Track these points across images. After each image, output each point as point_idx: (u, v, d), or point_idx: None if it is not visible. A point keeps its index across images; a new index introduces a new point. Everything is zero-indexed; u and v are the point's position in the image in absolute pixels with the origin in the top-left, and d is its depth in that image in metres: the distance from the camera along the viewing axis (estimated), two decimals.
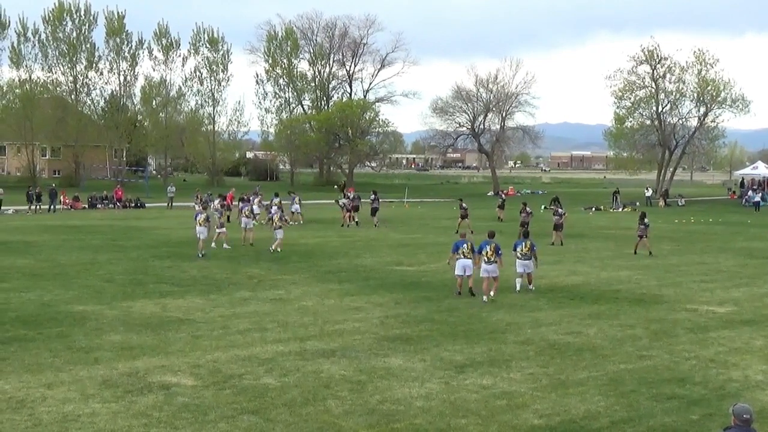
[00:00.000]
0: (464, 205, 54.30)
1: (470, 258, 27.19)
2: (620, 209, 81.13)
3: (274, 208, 45.40)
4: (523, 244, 28.54)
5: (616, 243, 46.03)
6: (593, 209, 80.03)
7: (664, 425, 14.49)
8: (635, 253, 40.27)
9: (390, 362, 18.34)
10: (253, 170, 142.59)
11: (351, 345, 19.92)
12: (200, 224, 37.88)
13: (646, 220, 41.23)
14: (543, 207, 72.89)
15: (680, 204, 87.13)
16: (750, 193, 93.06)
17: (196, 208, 47.68)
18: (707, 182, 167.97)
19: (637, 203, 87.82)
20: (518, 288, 28.25)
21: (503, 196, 72.31)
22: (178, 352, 18.86)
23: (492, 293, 26.67)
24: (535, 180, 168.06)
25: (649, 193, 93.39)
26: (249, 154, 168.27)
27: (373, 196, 58.04)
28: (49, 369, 17.32)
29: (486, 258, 26.77)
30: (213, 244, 40.02)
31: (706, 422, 14.64)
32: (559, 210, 47.73)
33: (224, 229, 41.20)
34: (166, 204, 73.57)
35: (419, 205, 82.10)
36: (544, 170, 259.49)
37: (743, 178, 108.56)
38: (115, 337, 20.31)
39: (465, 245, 27.52)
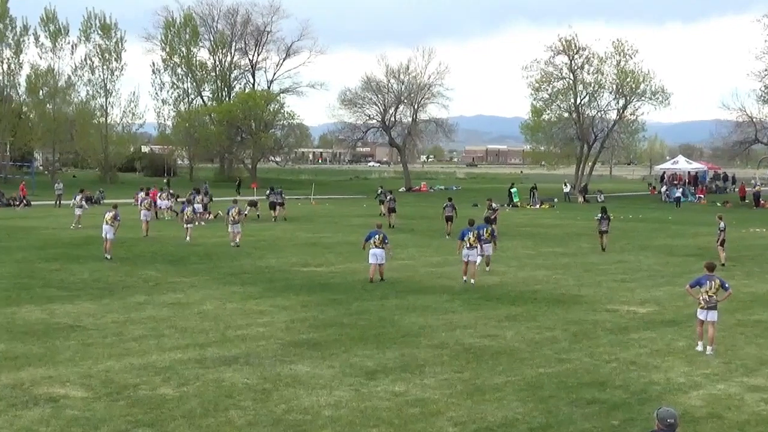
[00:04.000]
0: (391, 196, 57.21)
1: (381, 248, 30.69)
2: (538, 206, 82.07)
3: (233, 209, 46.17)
4: (471, 233, 31.22)
5: (534, 241, 46.57)
6: (509, 206, 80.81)
7: (585, 431, 14.64)
8: (604, 250, 41.57)
9: (296, 369, 18.25)
10: (150, 165, 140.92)
11: (255, 351, 19.78)
12: (107, 222, 36.78)
13: (608, 214, 43.05)
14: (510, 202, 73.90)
15: (600, 200, 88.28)
16: (670, 188, 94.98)
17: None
18: (627, 177, 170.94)
19: (555, 199, 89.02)
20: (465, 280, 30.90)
21: (381, 189, 72.15)
22: (67, 362, 18.52)
23: (473, 279, 30.60)
24: (450, 176, 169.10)
25: (567, 188, 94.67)
26: (144, 149, 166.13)
27: (269, 191, 61.62)
28: None
29: (468, 243, 30.58)
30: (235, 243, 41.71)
31: (628, 427, 14.85)
32: (493, 204, 49.09)
33: (191, 225, 44.18)
34: (54, 202, 72.27)
35: (327, 202, 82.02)
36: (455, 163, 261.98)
37: (664, 173, 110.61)
38: None
39: (377, 236, 30.96)
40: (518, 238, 47.95)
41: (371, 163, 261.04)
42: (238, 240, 41.56)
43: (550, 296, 28.37)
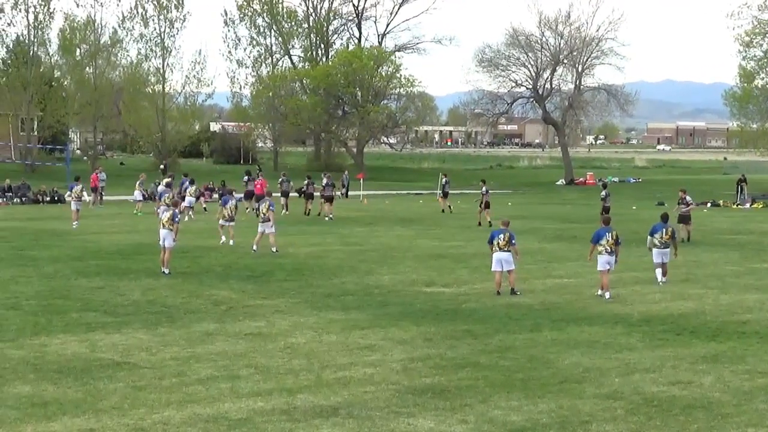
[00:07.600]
0: (486, 188, 59.15)
1: (507, 250, 32.63)
2: (748, 205, 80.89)
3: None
4: (664, 230, 35.17)
5: (742, 253, 45.86)
6: (709, 204, 79.82)
7: None
8: None
9: (416, 424, 18.30)
10: (221, 149, 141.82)
11: (360, 400, 19.88)
12: (164, 225, 37.06)
13: None
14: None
15: None
16: None
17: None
18: None
19: None
20: (660, 280, 35.09)
21: (445, 178, 72.18)
22: (113, 410, 18.81)
23: (608, 293, 32.44)
24: (626, 163, 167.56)
25: None
26: (214, 127, 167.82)
27: (285, 179, 66.13)
28: None
29: (608, 247, 32.46)
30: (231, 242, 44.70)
31: None
32: (687, 198, 49.39)
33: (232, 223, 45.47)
34: (94, 197, 73.24)
35: (459, 199, 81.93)
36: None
37: None
38: (22, 389, 20.27)
39: (501, 235, 32.82)
40: (720, 249, 47.30)
41: (513, 147, 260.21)
42: (274, 246, 42.78)
43: (766, 330, 27.95)
